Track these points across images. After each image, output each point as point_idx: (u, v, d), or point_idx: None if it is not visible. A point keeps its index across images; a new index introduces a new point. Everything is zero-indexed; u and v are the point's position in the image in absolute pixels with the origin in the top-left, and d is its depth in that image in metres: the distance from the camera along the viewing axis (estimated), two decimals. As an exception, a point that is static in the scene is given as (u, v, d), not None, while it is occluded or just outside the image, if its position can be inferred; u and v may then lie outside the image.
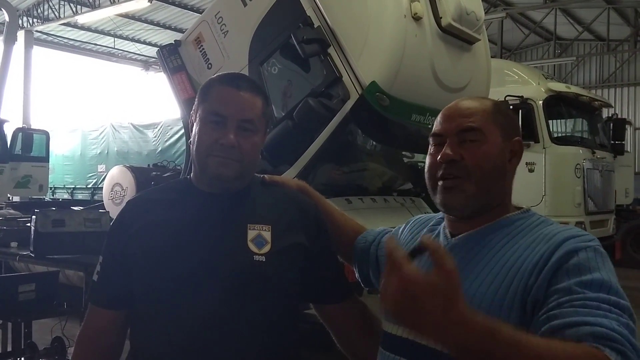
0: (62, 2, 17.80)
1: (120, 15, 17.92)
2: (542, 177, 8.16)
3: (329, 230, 1.66)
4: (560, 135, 9.18)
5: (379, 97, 3.84)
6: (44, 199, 12.19)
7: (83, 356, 1.57)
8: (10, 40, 10.54)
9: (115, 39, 20.89)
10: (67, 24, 19.00)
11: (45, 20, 18.44)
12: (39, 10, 18.54)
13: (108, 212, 5.41)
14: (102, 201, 7.71)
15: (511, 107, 7.71)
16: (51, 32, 20.07)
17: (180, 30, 18.76)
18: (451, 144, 1.32)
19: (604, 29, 20.92)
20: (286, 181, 1.74)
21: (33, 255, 4.68)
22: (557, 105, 8.67)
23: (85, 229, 4.63)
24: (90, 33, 20.50)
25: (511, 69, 9.30)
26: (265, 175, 1.68)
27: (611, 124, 10.02)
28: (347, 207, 4.24)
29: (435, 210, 1.52)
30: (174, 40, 4.96)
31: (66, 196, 13.16)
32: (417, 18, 3.95)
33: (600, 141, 9.43)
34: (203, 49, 4.67)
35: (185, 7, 18.69)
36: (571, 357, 0.96)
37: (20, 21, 16.52)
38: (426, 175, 1.40)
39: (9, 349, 4.45)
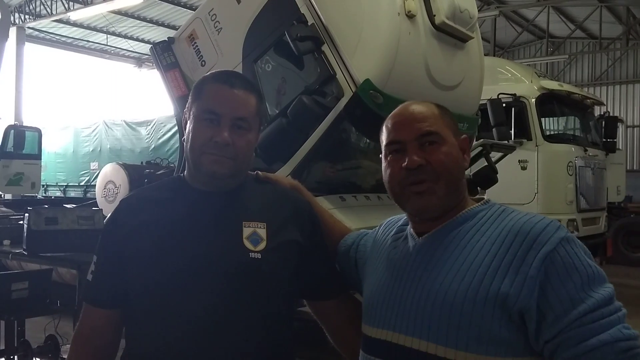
0: (54, -1, 17.71)
1: (113, 11, 17.85)
2: (535, 175, 8.20)
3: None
4: (552, 133, 9.22)
5: (372, 95, 3.84)
6: (37, 196, 12.14)
7: (78, 355, 1.57)
8: (2, 37, 10.46)
9: (108, 35, 20.79)
10: (60, 21, 18.89)
11: (37, 16, 18.32)
12: (31, 7, 18.42)
13: (101, 209, 5.40)
14: (95, 199, 7.69)
15: (504, 104, 7.75)
16: (43, 29, 19.94)
17: (174, 27, 18.70)
18: (413, 150, 1.36)
19: (596, 27, 21.00)
20: (280, 179, 1.75)
21: (26, 253, 4.67)
22: (549, 103, 8.71)
23: (78, 226, 4.62)
24: (83, 30, 20.39)
25: (504, 67, 9.33)
26: (259, 172, 1.68)
27: (603, 122, 10.07)
28: (340, 204, 4.24)
29: None
30: (168, 37, 4.94)
31: (59, 194, 13.09)
32: (410, 16, 3.96)
33: (592, 139, 9.49)
34: (197, 46, 4.66)
35: (178, 3, 18.63)
36: None
37: (12, 17, 16.41)
38: (389, 185, 1.42)
39: (2, 347, 4.44)
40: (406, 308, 1.31)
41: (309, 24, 3.98)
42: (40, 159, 11.74)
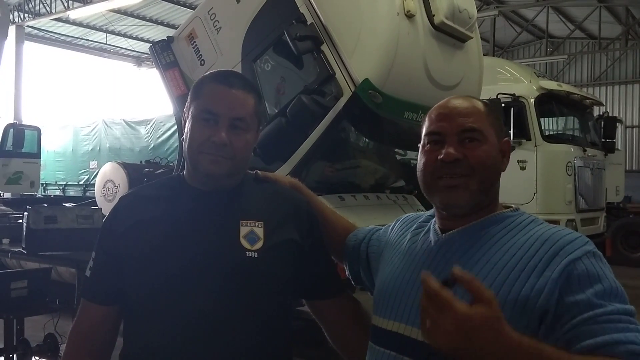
0: (53, -3, 17.69)
1: (113, 10, 17.83)
2: (534, 175, 8.21)
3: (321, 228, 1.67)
4: (551, 133, 9.23)
5: (371, 95, 3.84)
6: (36, 195, 12.14)
7: (75, 351, 1.57)
8: (1, 36, 10.44)
9: (108, 34, 20.78)
10: (59, 19, 18.88)
11: (37, 15, 18.30)
12: (30, 5, 18.40)
13: (100, 208, 5.40)
14: (94, 198, 7.68)
15: (503, 104, 7.75)
16: (42, 28, 19.93)
17: (173, 26, 18.68)
18: (452, 143, 1.33)
19: (595, 27, 20.99)
20: (279, 178, 1.75)
21: (25, 252, 4.67)
22: (548, 103, 8.71)
23: (78, 225, 4.62)
24: (82, 28, 20.37)
25: (503, 67, 9.33)
26: (258, 171, 1.69)
27: (602, 122, 10.08)
28: (339, 204, 4.25)
29: (428, 208, 1.53)
30: (167, 36, 4.95)
31: (58, 193, 13.10)
32: (409, 16, 3.96)
33: (591, 139, 9.49)
34: (196, 45, 4.66)
35: (177, 2, 18.61)
36: None
37: (11, 16, 16.40)
38: (421, 174, 1.39)
39: (1, 345, 4.44)
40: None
41: (308, 23, 3.99)
42: (40, 158, 11.74)
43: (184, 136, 1.54)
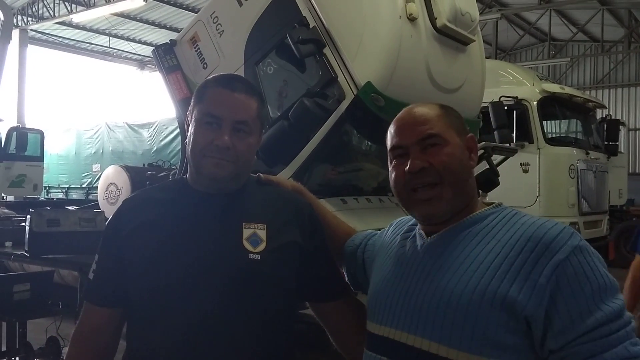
0: (57, 1, 17.74)
1: (116, 14, 17.88)
2: (536, 178, 8.20)
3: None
4: (554, 136, 9.23)
5: (374, 98, 3.85)
6: (39, 198, 12.16)
7: (78, 354, 1.57)
8: (5, 39, 10.48)
9: (111, 38, 20.83)
10: (62, 23, 18.93)
11: (40, 19, 18.37)
12: (33, 9, 18.47)
13: (103, 211, 5.41)
14: (97, 201, 7.70)
15: (506, 107, 7.75)
16: (46, 31, 19.99)
17: (176, 30, 18.73)
18: (415, 154, 1.35)
19: (598, 30, 20.99)
20: (281, 181, 1.75)
21: (28, 255, 4.67)
22: (551, 106, 8.71)
23: (80, 228, 4.62)
24: (85, 32, 20.44)
25: (506, 70, 9.33)
26: (261, 174, 1.69)
27: (605, 125, 10.07)
28: (342, 207, 4.24)
29: None
30: (170, 40, 4.96)
31: (61, 196, 13.12)
32: (412, 19, 3.97)
33: (594, 142, 9.48)
34: (198, 48, 4.67)
35: (180, 6, 18.66)
36: None
37: (14, 20, 16.45)
38: (395, 190, 1.41)
39: (4, 348, 4.44)
40: (410, 306, 1.31)
41: (311, 26, 3.99)
42: (43, 161, 11.76)
43: (187, 140, 1.55)
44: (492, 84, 7.11)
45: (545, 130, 8.54)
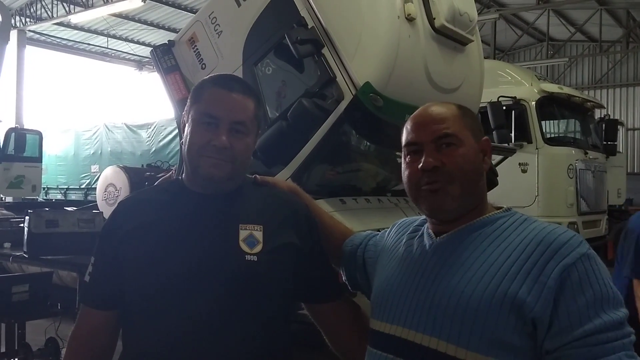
0: (55, 2, 17.74)
1: (114, 15, 17.87)
2: (535, 178, 8.19)
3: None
4: (553, 136, 9.23)
5: (372, 98, 3.84)
6: (37, 199, 12.15)
7: (75, 357, 1.56)
8: (3, 40, 10.46)
9: (109, 38, 20.83)
10: (60, 24, 18.94)
11: (38, 19, 18.37)
12: (31, 10, 18.47)
13: (102, 212, 5.41)
14: (96, 202, 7.70)
15: (504, 107, 7.75)
16: (44, 32, 19.99)
17: (174, 30, 18.73)
18: (430, 152, 1.36)
19: (596, 30, 21.03)
20: (277, 182, 1.75)
21: (26, 256, 4.67)
22: (549, 106, 8.71)
23: (79, 229, 4.63)
24: (84, 33, 20.44)
25: (504, 70, 9.33)
26: (257, 175, 1.69)
27: (603, 125, 10.07)
28: (341, 207, 4.24)
29: None
30: (168, 40, 4.95)
31: (59, 197, 13.10)
32: (410, 19, 3.97)
33: (592, 142, 9.48)
34: (197, 49, 4.66)
35: (179, 7, 18.66)
36: None
37: (12, 21, 16.44)
38: (406, 186, 1.42)
39: (3, 349, 4.44)
40: (419, 305, 1.32)
41: (309, 27, 3.99)
42: (41, 162, 11.75)
43: (183, 139, 1.55)
44: (491, 84, 7.11)
45: (544, 130, 8.54)
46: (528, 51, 24.06)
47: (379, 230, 1.71)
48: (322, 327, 1.69)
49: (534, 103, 8.32)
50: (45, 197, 13.02)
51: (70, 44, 21.34)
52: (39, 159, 11.61)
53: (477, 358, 1.20)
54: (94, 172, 12.24)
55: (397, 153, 5.28)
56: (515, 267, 1.23)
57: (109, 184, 7.39)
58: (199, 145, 1.48)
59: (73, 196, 12.81)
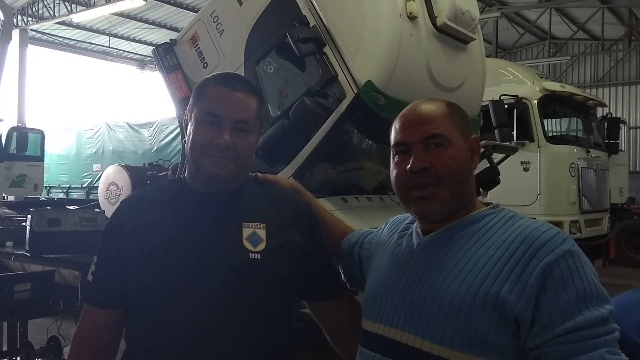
0: (57, 1, 17.75)
1: (116, 14, 17.89)
2: (537, 176, 8.19)
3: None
4: (555, 134, 9.21)
5: (374, 97, 3.84)
6: (39, 198, 12.17)
7: (78, 356, 1.56)
8: (5, 39, 10.49)
9: (111, 37, 20.84)
10: (62, 23, 18.94)
11: (40, 19, 18.38)
12: (33, 9, 18.47)
13: (104, 211, 5.41)
14: (98, 200, 7.71)
15: (506, 106, 7.74)
16: (46, 31, 20.00)
17: (176, 29, 18.74)
18: (418, 152, 1.34)
19: (598, 29, 20.99)
20: (280, 180, 1.76)
21: (29, 255, 4.68)
22: (551, 104, 8.70)
23: (81, 228, 4.63)
24: (85, 32, 20.44)
25: (506, 68, 9.32)
26: (258, 173, 1.69)
27: (605, 123, 10.05)
28: (342, 206, 4.24)
29: None
30: (170, 39, 4.96)
31: (61, 195, 13.12)
32: (412, 17, 3.96)
33: (594, 140, 9.47)
34: (199, 48, 4.67)
35: (180, 5, 18.66)
36: None
37: (15, 20, 16.46)
38: (394, 187, 1.41)
39: (5, 348, 4.45)
40: (405, 305, 1.32)
41: (311, 25, 3.99)
42: (43, 161, 11.77)
43: (186, 138, 1.54)
44: (493, 82, 7.10)
45: (546, 129, 8.52)
46: (530, 49, 24.02)
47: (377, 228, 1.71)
48: (324, 325, 1.70)
49: (536, 101, 8.31)
50: (47, 196, 13.05)
51: (72, 43, 21.35)
52: (41, 158, 11.63)
53: (461, 357, 1.20)
54: (96, 171, 12.25)
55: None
56: (498, 265, 1.22)
57: (110, 183, 7.40)
58: (202, 144, 1.48)
59: (75, 195, 12.83)
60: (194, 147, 1.49)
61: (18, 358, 4.45)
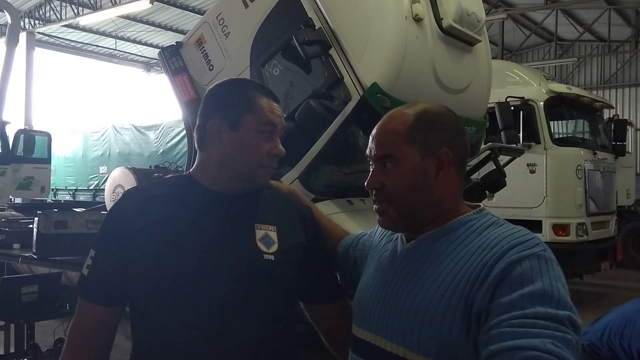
0: (63, 4, 17.85)
1: (122, 16, 17.95)
2: (543, 179, 8.16)
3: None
4: (561, 136, 9.19)
5: (380, 99, 3.84)
6: (46, 200, 12.20)
7: (74, 351, 1.54)
8: (12, 42, 10.52)
9: (117, 40, 20.93)
10: (69, 26, 19.04)
11: (47, 21, 18.47)
12: (40, 12, 18.57)
13: (110, 213, 5.41)
14: (104, 203, 7.72)
15: (512, 108, 7.72)
16: (53, 34, 20.10)
17: (182, 32, 18.80)
18: (374, 171, 1.38)
19: (605, 30, 20.91)
20: (279, 186, 1.77)
21: (35, 257, 4.69)
22: (558, 106, 8.68)
23: (88, 230, 4.63)
24: (92, 34, 20.54)
25: (512, 70, 9.30)
26: None
27: (612, 125, 10.01)
28: (348, 208, 4.24)
29: None
30: (176, 42, 4.97)
31: (68, 198, 13.17)
32: (418, 19, 3.96)
33: (601, 142, 9.43)
34: (204, 50, 4.68)
35: (186, 8, 18.71)
36: None
37: (22, 23, 16.54)
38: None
39: (12, 350, 4.46)
40: (386, 312, 1.33)
41: (316, 27, 3.99)
42: (50, 163, 11.80)
43: (222, 145, 1.52)
44: (499, 84, 7.09)
45: (552, 131, 8.50)
46: (536, 51, 23.96)
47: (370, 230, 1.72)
48: (320, 327, 1.72)
49: (542, 103, 8.29)
50: (53, 199, 13.09)
51: (78, 45, 21.45)
52: (47, 160, 11.66)
53: None
54: (102, 174, 12.29)
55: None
56: (469, 271, 1.21)
57: (117, 185, 7.41)
58: (260, 155, 1.51)
59: (81, 197, 12.87)
60: (252, 158, 1.51)
61: (25, 360, 4.47)
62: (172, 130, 11.25)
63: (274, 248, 1.50)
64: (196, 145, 1.58)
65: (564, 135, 9.42)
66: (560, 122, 9.40)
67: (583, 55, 22.90)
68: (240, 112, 1.52)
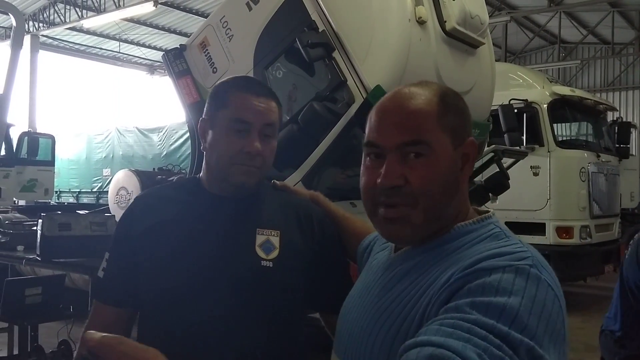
0: (67, 7, 17.89)
1: (126, 19, 18.01)
2: (547, 181, 8.15)
3: (340, 239, 1.62)
4: (565, 138, 9.17)
5: (383, 101, 3.84)
6: (50, 202, 12.23)
7: None
8: (17, 45, 10.53)
9: (121, 43, 20.98)
10: (73, 29, 19.07)
11: (51, 24, 18.52)
12: (44, 15, 18.63)
13: (114, 215, 5.43)
14: (108, 205, 7.73)
15: (516, 110, 7.72)
16: (57, 37, 20.15)
17: (185, 35, 18.82)
18: (392, 162, 1.06)
19: (608, 32, 20.88)
20: (299, 191, 1.73)
21: (39, 259, 4.69)
22: (561, 108, 8.67)
23: (91, 232, 4.64)
24: (96, 37, 20.58)
25: (515, 73, 9.30)
26: (275, 181, 1.68)
27: (616, 128, 9.99)
28: (352, 210, 4.21)
29: None
30: (179, 45, 4.99)
31: (71, 200, 13.18)
32: (421, 22, 3.97)
33: (605, 145, 9.42)
34: (208, 53, 4.69)
35: (190, 11, 18.75)
36: None
37: (26, 26, 16.60)
38: (362, 196, 1.17)
39: (16, 352, 4.47)
40: (354, 334, 1.14)
41: (320, 30, 4.00)
42: (54, 166, 11.83)
43: (206, 145, 1.51)
44: (502, 86, 7.09)
45: (556, 133, 8.49)
46: (539, 54, 23.93)
47: None
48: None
49: (545, 106, 8.28)
50: (57, 201, 13.10)
51: (82, 48, 21.50)
52: (51, 162, 11.69)
53: None
54: (106, 176, 12.30)
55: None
56: (436, 286, 0.98)
57: (120, 188, 7.42)
58: (232, 153, 1.45)
59: (85, 199, 12.88)
60: (222, 158, 1.47)
61: (29, 362, 4.48)
62: (176, 132, 11.26)
63: (274, 254, 1.46)
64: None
65: (568, 138, 9.40)
66: (563, 124, 9.38)
67: (586, 57, 22.87)
68: (216, 109, 1.50)
